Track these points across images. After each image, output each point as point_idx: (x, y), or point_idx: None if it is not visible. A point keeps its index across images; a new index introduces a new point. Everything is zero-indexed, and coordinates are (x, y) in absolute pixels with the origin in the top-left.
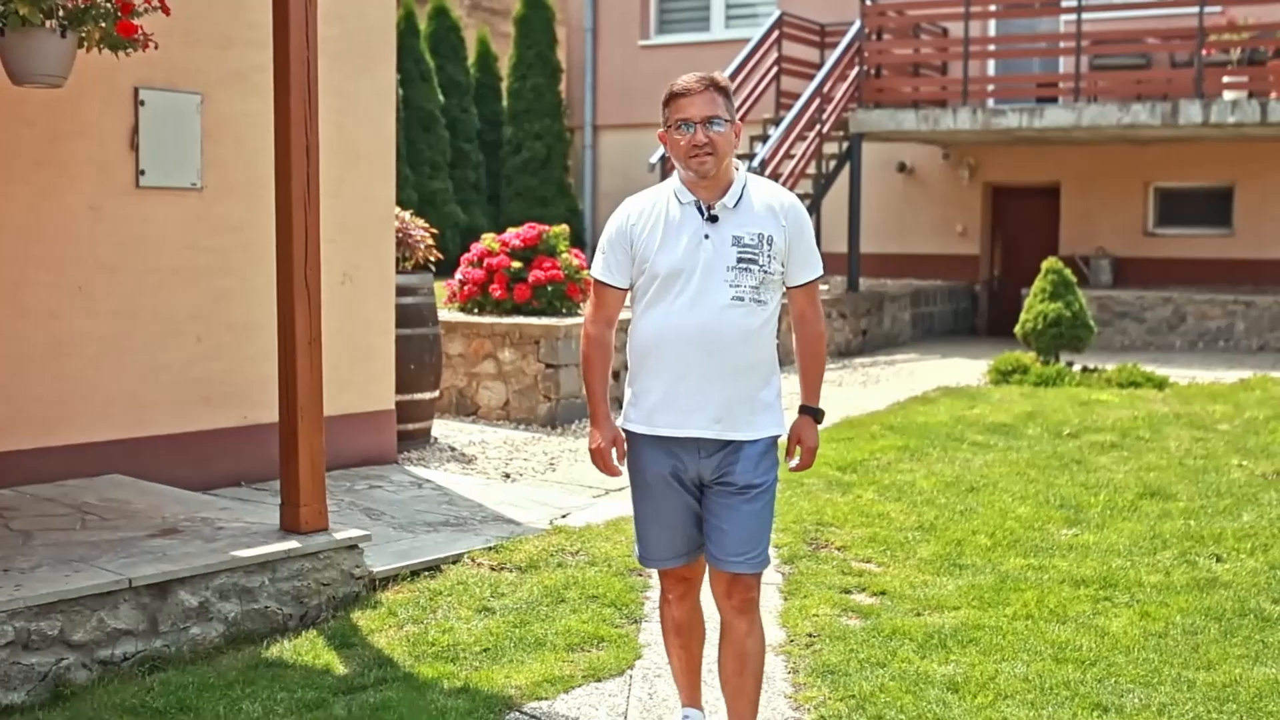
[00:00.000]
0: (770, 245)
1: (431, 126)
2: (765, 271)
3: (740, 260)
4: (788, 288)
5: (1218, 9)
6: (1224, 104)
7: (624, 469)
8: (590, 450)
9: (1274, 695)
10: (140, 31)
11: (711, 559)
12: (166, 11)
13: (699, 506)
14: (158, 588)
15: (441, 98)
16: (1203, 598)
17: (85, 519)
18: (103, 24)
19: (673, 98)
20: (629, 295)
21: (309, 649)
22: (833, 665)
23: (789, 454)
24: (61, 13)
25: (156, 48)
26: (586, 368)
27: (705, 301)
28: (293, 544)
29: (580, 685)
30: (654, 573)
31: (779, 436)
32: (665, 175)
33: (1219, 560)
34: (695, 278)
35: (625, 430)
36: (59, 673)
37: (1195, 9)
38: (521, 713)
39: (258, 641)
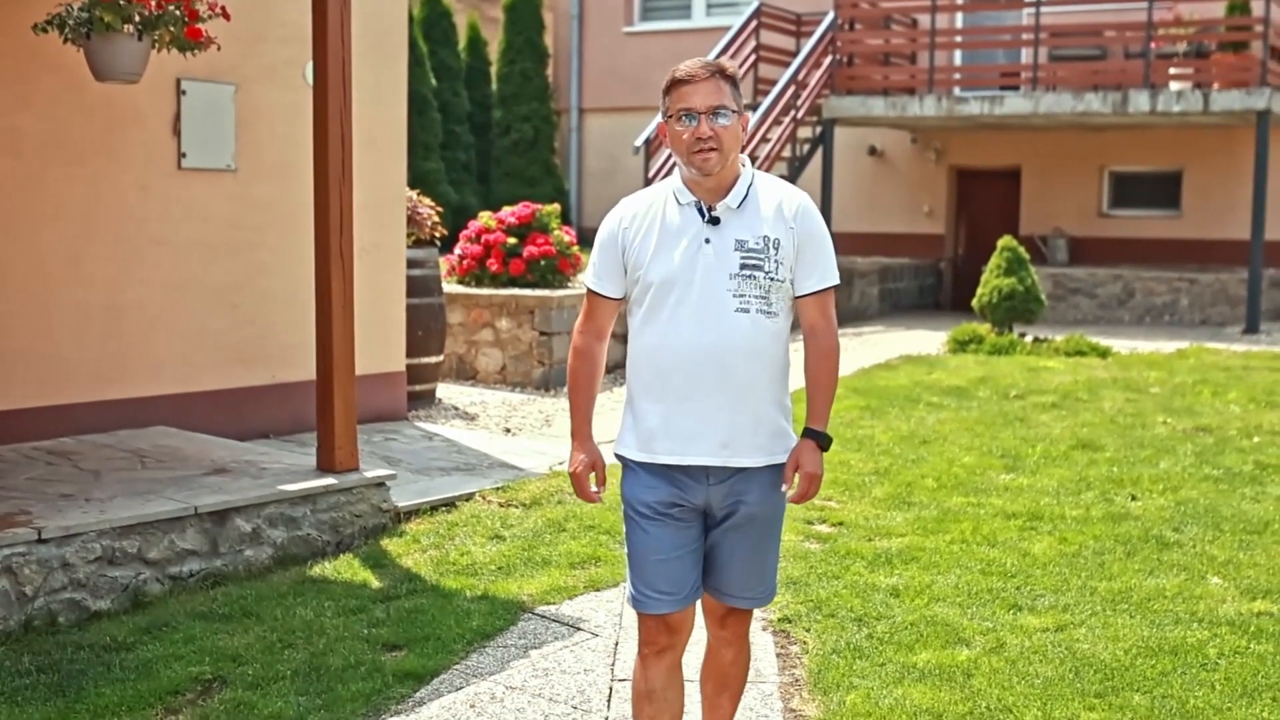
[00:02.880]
0: (777, 250)
1: (424, 109)
2: (772, 279)
3: (744, 267)
4: (795, 297)
5: (1166, 5)
6: (1170, 94)
7: (603, 496)
8: (569, 473)
9: (1160, 598)
10: (205, 34)
11: (714, 592)
12: (227, 17)
13: (701, 541)
14: (217, 515)
15: (434, 81)
16: (1114, 528)
17: (144, 461)
18: (172, 28)
19: (674, 85)
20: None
21: (347, 568)
22: (795, 578)
23: (786, 481)
24: (138, 19)
25: (220, 49)
26: (571, 381)
27: (706, 313)
28: (330, 480)
29: (582, 593)
30: None
31: None
32: (650, 158)
33: (1134, 499)
34: (694, 287)
35: (621, 457)
36: (138, 585)
37: (1145, 5)
38: (533, 613)
39: (302, 563)
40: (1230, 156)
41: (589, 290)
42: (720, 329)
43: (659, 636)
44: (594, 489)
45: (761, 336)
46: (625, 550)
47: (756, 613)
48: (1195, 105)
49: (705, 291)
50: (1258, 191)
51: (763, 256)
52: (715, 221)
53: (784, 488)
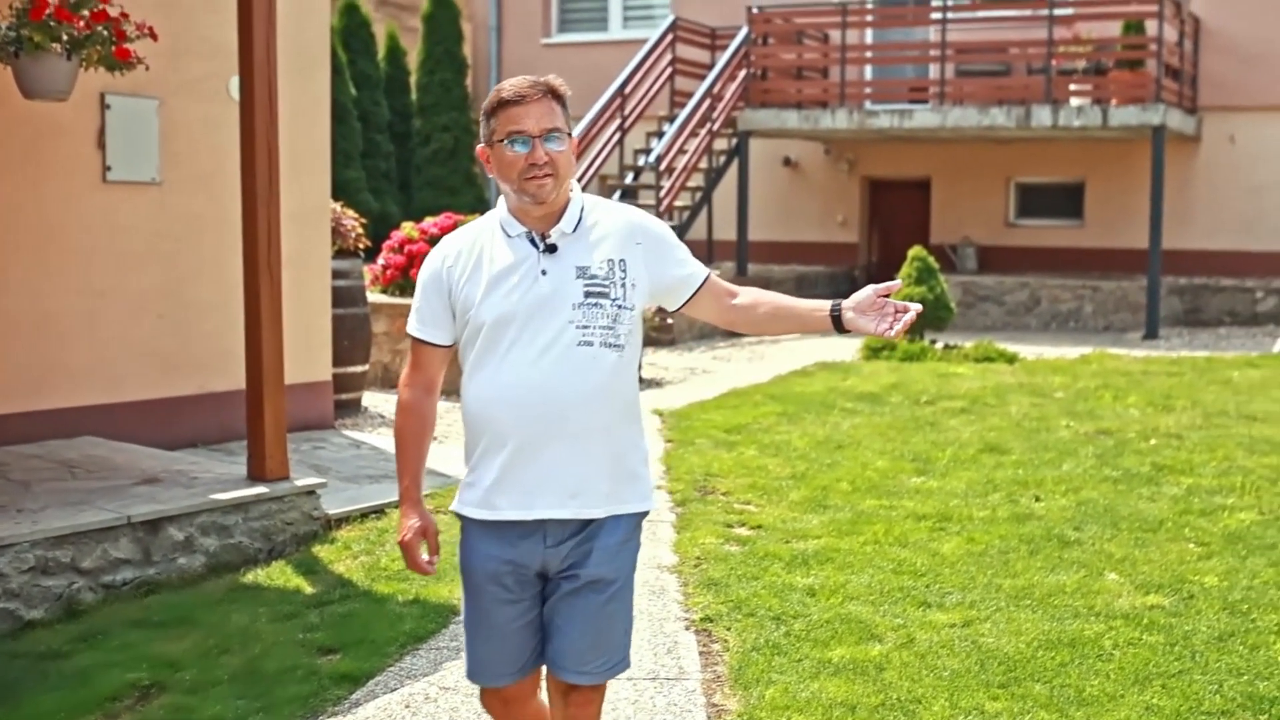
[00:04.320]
0: (625, 272)
1: (344, 118)
2: (620, 306)
3: (589, 295)
4: (689, 300)
5: (1066, 24)
6: (1071, 109)
7: (434, 566)
8: (398, 543)
9: (1060, 594)
10: (134, 55)
11: (550, 664)
12: (155, 38)
13: (540, 608)
14: (150, 524)
15: (354, 91)
16: (1019, 527)
17: (74, 472)
18: (100, 48)
19: (502, 106)
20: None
21: (280, 575)
22: (716, 579)
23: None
24: (66, 39)
25: (148, 69)
26: (398, 439)
27: (546, 351)
28: (261, 489)
29: None
30: None
31: (646, 514)
32: None
33: (1037, 500)
34: (533, 323)
35: (459, 515)
36: (71, 594)
37: (1046, 24)
38: None
39: (235, 570)
40: (1129, 169)
41: (414, 339)
42: (562, 367)
43: (495, 708)
44: (426, 558)
45: (606, 372)
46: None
47: (679, 613)
48: (1095, 120)
49: (544, 327)
50: (1155, 202)
51: (608, 282)
52: (552, 250)
53: (898, 320)
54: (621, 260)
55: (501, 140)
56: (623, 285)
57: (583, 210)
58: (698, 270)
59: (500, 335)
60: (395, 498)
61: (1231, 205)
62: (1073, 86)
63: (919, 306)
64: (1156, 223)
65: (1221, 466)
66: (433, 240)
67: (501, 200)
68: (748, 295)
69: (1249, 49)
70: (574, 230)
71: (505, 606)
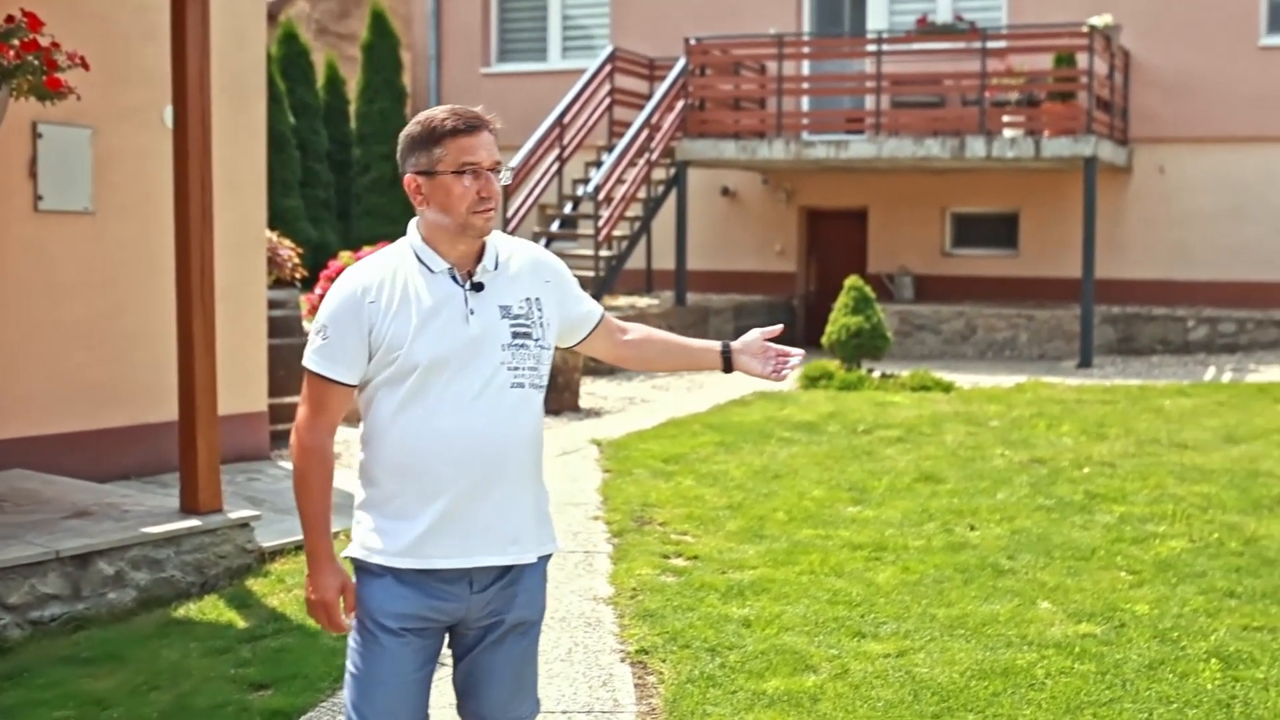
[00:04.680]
0: (541, 311)
1: (283, 147)
2: (541, 346)
3: (515, 335)
4: (586, 337)
5: (998, 57)
6: (1005, 140)
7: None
8: (309, 601)
9: (994, 623)
10: (65, 84)
11: (475, 718)
12: (86, 67)
13: (433, 666)
14: (80, 559)
15: (292, 119)
16: (954, 557)
17: (2, 505)
18: (30, 78)
19: (454, 134)
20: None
21: (212, 609)
22: (652, 610)
23: (780, 367)
24: None
25: (80, 98)
26: (302, 489)
27: (481, 394)
28: (194, 522)
29: None
30: None
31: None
32: (509, 197)
33: (972, 529)
34: (467, 365)
35: (363, 563)
36: None
37: (979, 56)
38: None
39: (166, 605)
40: (1062, 199)
41: (317, 378)
42: (496, 410)
43: None
44: (344, 616)
45: (534, 413)
46: (349, 670)
47: (615, 645)
48: (1028, 151)
49: (478, 370)
50: (1087, 232)
51: (529, 322)
52: (478, 288)
53: (785, 367)
54: (537, 299)
55: (452, 171)
56: (541, 325)
57: (495, 247)
58: (595, 307)
59: (434, 377)
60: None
61: (1163, 235)
62: (1006, 118)
63: (801, 352)
64: (1089, 252)
65: (1153, 494)
66: None
67: (413, 232)
68: (638, 332)
69: (1177, 82)
70: (496, 268)
71: (414, 656)
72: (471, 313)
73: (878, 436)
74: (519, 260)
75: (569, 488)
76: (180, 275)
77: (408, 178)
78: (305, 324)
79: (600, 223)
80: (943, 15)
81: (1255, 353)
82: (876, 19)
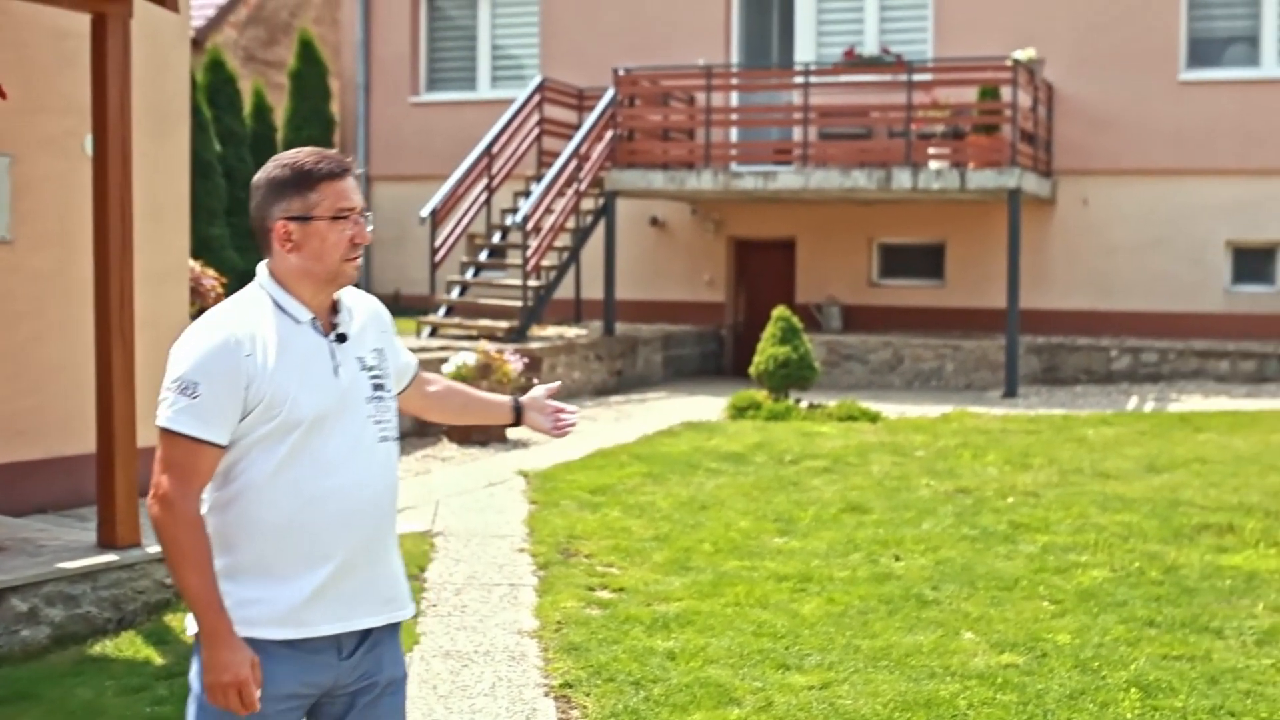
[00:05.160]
0: (386, 361)
1: (209, 175)
2: (392, 397)
3: (375, 388)
4: (405, 388)
5: (924, 89)
6: (930, 172)
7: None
8: (214, 686)
9: (918, 654)
10: None
11: None
12: (3, 95)
13: None
14: None
15: (218, 147)
16: (878, 587)
17: None
18: None
19: (326, 179)
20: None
21: (129, 646)
22: (577, 644)
23: (559, 427)
24: None
25: None
26: (182, 563)
27: (357, 450)
28: (111, 557)
29: None
30: (428, 576)
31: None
32: (436, 228)
33: (897, 559)
34: (340, 420)
35: (247, 639)
36: None
37: (905, 89)
38: None
39: (82, 641)
40: (987, 230)
41: (186, 440)
42: (371, 466)
43: None
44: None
45: (396, 467)
46: None
47: (539, 679)
48: (953, 183)
49: (350, 425)
50: (1011, 263)
51: (382, 373)
52: (342, 339)
53: (561, 424)
54: (381, 350)
55: (329, 216)
56: (389, 376)
57: (342, 296)
58: (413, 357)
59: (314, 435)
60: None
61: (1086, 266)
62: (932, 150)
63: (576, 415)
64: (1014, 283)
65: (1076, 524)
66: None
67: (268, 280)
68: (441, 384)
69: (1100, 115)
70: (350, 319)
71: None
72: (338, 366)
73: (805, 467)
74: (361, 310)
75: (495, 519)
76: (99, 306)
77: (278, 224)
78: None
79: (529, 253)
80: (870, 48)
81: (1177, 382)
82: (804, 51)
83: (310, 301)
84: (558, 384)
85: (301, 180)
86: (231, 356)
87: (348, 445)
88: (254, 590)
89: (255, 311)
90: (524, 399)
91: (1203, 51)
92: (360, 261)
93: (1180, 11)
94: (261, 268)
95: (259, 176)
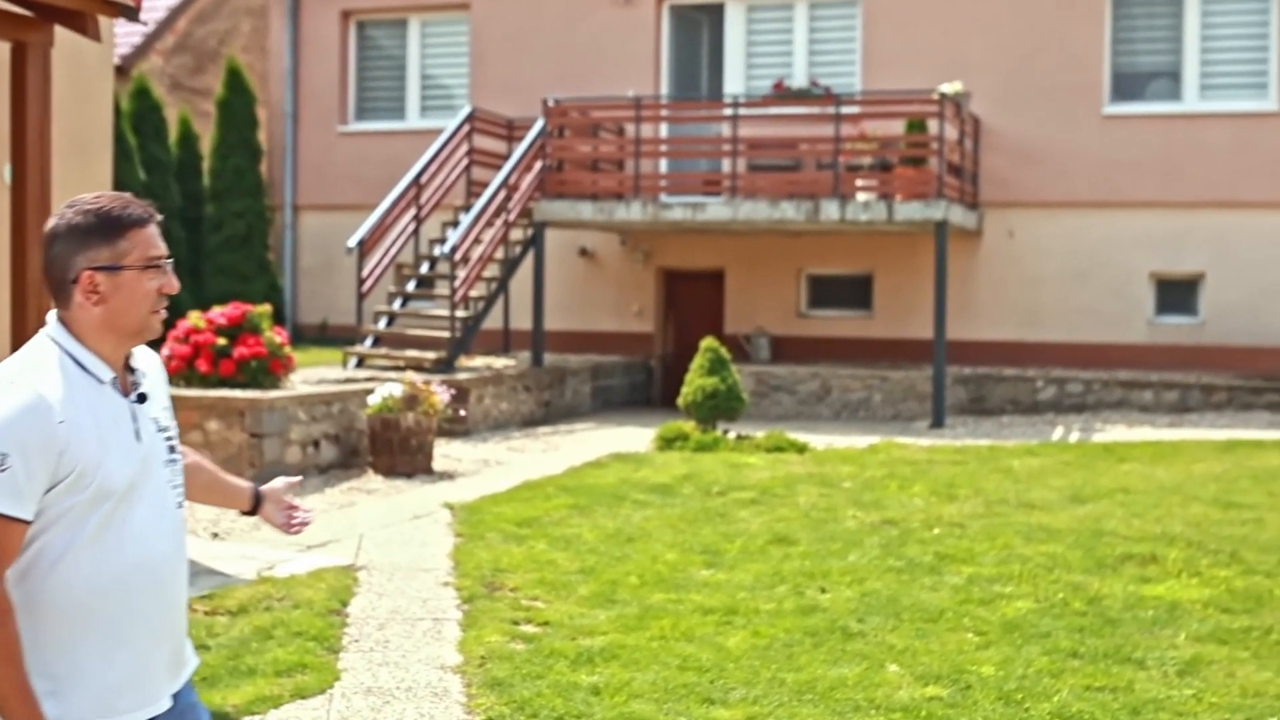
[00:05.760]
0: (174, 421)
1: None
2: (181, 460)
3: (170, 450)
4: None
5: (852, 122)
6: (858, 204)
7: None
8: None
9: (842, 687)
10: None
11: None
12: None
13: None
14: None
15: (143, 175)
16: (804, 620)
17: None
18: None
19: (134, 225)
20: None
21: None
22: (500, 679)
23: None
24: None
25: None
26: (11, 654)
27: (161, 517)
28: None
29: (288, 702)
30: (351, 611)
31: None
32: (363, 258)
33: (823, 591)
34: (145, 488)
35: None
36: None
37: (833, 121)
38: None
39: None
40: (915, 261)
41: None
42: (173, 534)
43: None
44: None
45: (186, 532)
46: None
47: (461, 715)
48: (881, 215)
49: (152, 491)
50: (938, 295)
51: (173, 435)
52: (142, 399)
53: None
54: (169, 408)
55: (141, 266)
56: (178, 436)
57: (133, 353)
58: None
59: (122, 505)
60: None
61: (1012, 297)
62: (859, 182)
63: (310, 514)
64: (941, 314)
65: (1001, 555)
66: (219, 331)
67: (63, 335)
68: (192, 457)
69: (1025, 148)
70: (144, 376)
71: None
72: (139, 429)
73: (732, 498)
74: (149, 367)
75: (420, 553)
76: (16, 338)
77: (84, 275)
78: None
79: (457, 283)
80: (798, 80)
81: (1101, 412)
82: (734, 83)
83: (111, 357)
84: (298, 479)
85: (109, 227)
86: (45, 423)
87: (154, 514)
88: (64, 680)
89: (55, 370)
90: (264, 489)
91: (1126, 86)
92: (164, 314)
93: (1104, 46)
94: (53, 320)
95: (57, 224)
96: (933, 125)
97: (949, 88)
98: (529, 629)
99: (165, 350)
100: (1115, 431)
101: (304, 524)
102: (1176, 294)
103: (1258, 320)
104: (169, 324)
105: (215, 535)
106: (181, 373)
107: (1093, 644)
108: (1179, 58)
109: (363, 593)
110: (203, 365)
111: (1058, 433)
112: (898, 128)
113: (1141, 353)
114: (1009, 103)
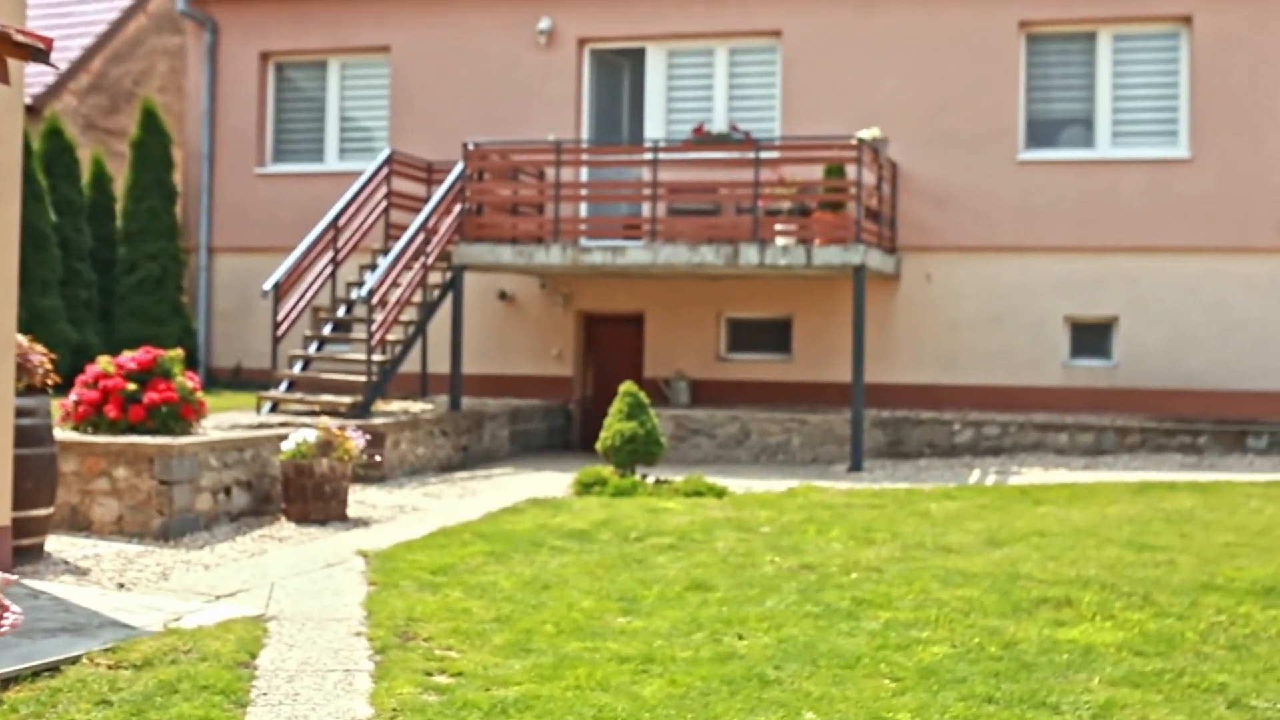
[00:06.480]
0: None
1: (43, 245)
2: None
3: None
4: None
5: (771, 167)
6: (777, 248)
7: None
8: None
9: None
10: None
11: None
12: None
13: None
14: None
15: (54, 216)
16: (721, 667)
17: None
18: None
19: None
20: None
21: None
22: None
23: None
24: None
25: None
26: None
27: None
28: None
29: None
30: (260, 663)
31: None
32: (279, 301)
33: (740, 638)
34: None
35: None
36: None
37: (753, 166)
38: None
39: None
40: (834, 305)
41: None
42: None
43: None
44: None
45: None
46: None
47: None
48: (799, 259)
49: None
50: (856, 338)
51: None
52: None
53: None
54: None
55: None
56: None
57: None
58: None
59: None
60: (72, 653)
61: (930, 340)
62: (779, 226)
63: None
64: (859, 358)
65: (918, 599)
66: (129, 376)
67: None
68: None
69: (942, 193)
70: None
71: None
72: None
73: (650, 544)
74: None
75: (332, 602)
76: None
77: None
78: (57, 432)
79: (374, 327)
80: (719, 125)
81: (1018, 455)
82: (654, 128)
83: None
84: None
85: None
86: None
87: None
88: None
89: None
90: None
91: (1041, 132)
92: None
93: (1019, 94)
94: None
95: None
96: (851, 170)
97: (867, 133)
98: (442, 679)
99: (73, 395)
100: (1031, 474)
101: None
102: (1091, 337)
103: (1170, 363)
104: (78, 369)
105: (121, 585)
106: (89, 419)
107: (1008, 689)
108: (1092, 105)
109: (273, 644)
110: (112, 411)
111: (975, 476)
112: (816, 173)
113: (1057, 395)
114: (926, 148)
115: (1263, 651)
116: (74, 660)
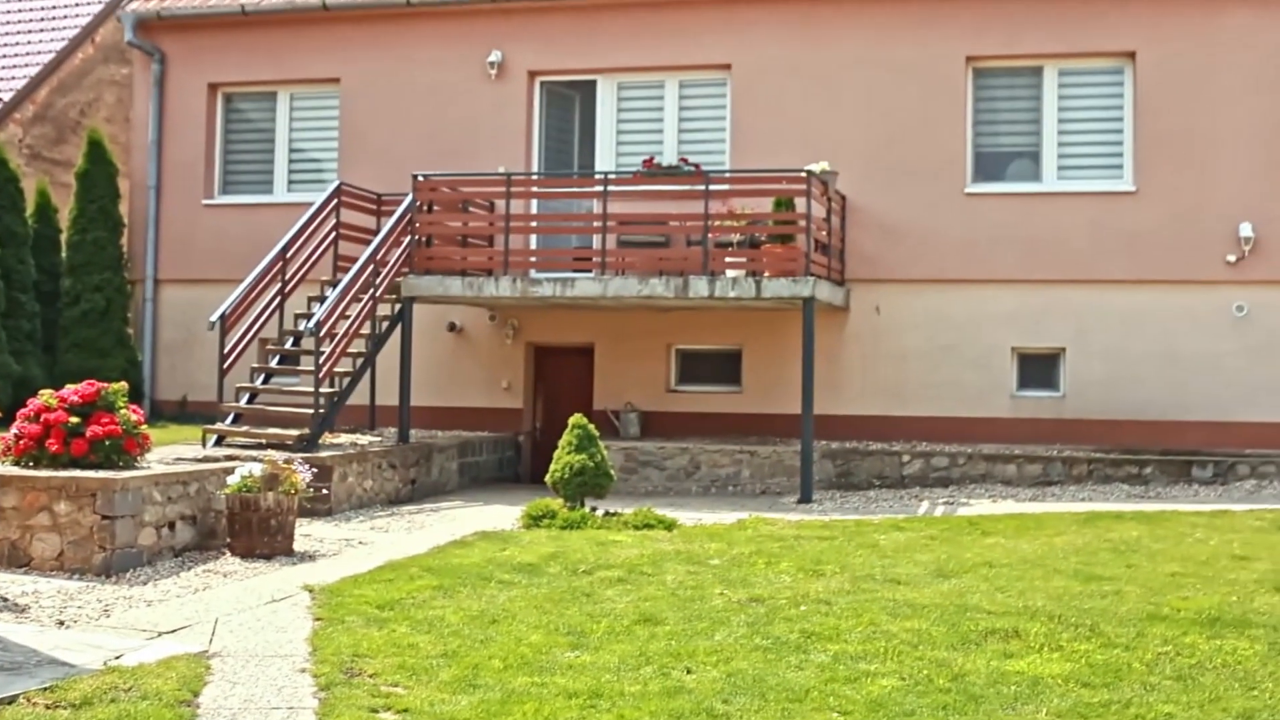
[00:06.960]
0: None
1: None
2: None
3: None
4: None
5: (721, 199)
6: (727, 280)
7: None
8: None
9: None
10: None
11: None
12: None
13: None
14: None
15: None
16: (669, 702)
17: None
18: None
19: None
20: None
21: None
22: None
23: None
24: None
25: None
26: None
27: None
28: None
29: None
30: (202, 701)
31: None
32: (226, 333)
33: (689, 672)
34: None
35: None
36: None
37: (703, 198)
38: None
39: None
40: (783, 337)
41: None
42: None
43: None
44: None
45: None
46: None
47: None
48: (749, 291)
49: None
50: (806, 370)
51: None
52: None
53: None
54: None
55: None
56: None
57: None
58: None
59: None
60: (9, 693)
61: (879, 372)
62: (729, 259)
63: None
64: (808, 389)
65: (866, 632)
66: (72, 409)
67: None
68: None
69: (890, 225)
70: None
71: None
72: None
73: (599, 577)
74: None
75: (277, 638)
76: None
77: None
78: None
79: (322, 359)
80: (669, 158)
81: (966, 486)
82: (604, 160)
83: None
84: None
85: None
86: None
87: None
88: None
89: None
90: None
91: (988, 166)
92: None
93: (966, 128)
94: None
95: None
96: (800, 203)
97: (816, 166)
98: (388, 716)
99: (14, 429)
100: (980, 505)
101: None
102: (1038, 369)
103: (1116, 394)
104: (20, 402)
105: (61, 623)
106: (31, 452)
107: None
108: (1038, 139)
109: (215, 681)
110: (54, 445)
111: (923, 507)
112: (766, 205)
113: (1005, 426)
114: (875, 181)
115: (1208, 682)
116: (10, 700)
